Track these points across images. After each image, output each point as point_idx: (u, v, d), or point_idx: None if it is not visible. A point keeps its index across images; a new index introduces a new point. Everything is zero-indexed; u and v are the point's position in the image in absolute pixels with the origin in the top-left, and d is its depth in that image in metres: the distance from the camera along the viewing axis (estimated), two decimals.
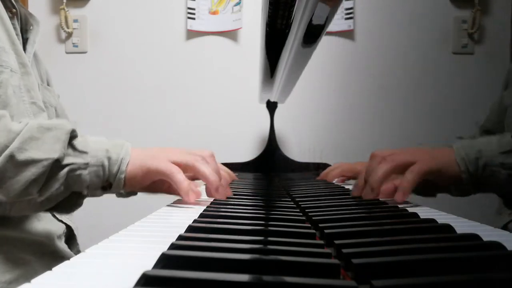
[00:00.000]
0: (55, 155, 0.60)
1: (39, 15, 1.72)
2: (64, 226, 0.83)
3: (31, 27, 0.85)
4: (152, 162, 0.67)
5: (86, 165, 0.63)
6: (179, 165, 0.69)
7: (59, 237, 0.81)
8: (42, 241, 0.74)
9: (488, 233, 0.45)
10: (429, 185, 0.72)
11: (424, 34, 1.73)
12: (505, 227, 0.94)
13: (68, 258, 0.83)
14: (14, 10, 0.80)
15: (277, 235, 0.42)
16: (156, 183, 0.70)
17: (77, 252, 0.86)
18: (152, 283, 0.28)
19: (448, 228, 0.46)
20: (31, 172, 0.60)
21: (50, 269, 0.29)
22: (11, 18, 0.78)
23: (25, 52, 0.80)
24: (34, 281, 0.29)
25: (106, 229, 0.61)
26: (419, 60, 1.74)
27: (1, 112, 0.63)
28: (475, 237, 0.40)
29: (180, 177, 0.67)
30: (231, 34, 1.72)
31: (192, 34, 1.72)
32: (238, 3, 1.69)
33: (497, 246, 0.36)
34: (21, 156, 0.59)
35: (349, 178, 1.17)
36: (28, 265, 0.68)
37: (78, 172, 0.62)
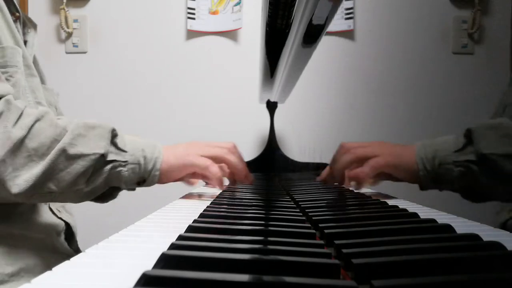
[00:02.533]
0: (101, 150, 0.67)
1: (39, 15, 1.73)
2: (63, 223, 0.84)
3: (29, 30, 0.86)
4: (186, 158, 0.75)
5: (125, 163, 0.70)
6: (209, 158, 0.77)
7: (58, 233, 0.82)
8: (42, 238, 0.76)
9: (488, 233, 0.45)
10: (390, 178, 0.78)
11: (424, 34, 1.73)
12: (504, 225, 0.94)
13: (66, 255, 0.84)
14: (17, 14, 0.81)
15: (277, 235, 0.42)
16: (188, 175, 0.78)
17: (76, 249, 0.86)
18: (152, 283, 0.28)
19: (448, 228, 0.46)
20: (80, 165, 0.66)
21: (49, 264, 0.29)
22: (14, 22, 0.79)
23: None
24: (34, 281, 0.29)
25: (106, 229, 0.61)
26: (419, 60, 1.74)
27: (45, 108, 0.69)
28: (475, 237, 0.40)
29: (214, 169, 0.76)
30: (231, 34, 1.72)
31: (192, 34, 1.72)
32: (238, 3, 1.69)
33: (497, 246, 0.36)
34: (72, 151, 0.66)
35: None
36: (28, 259, 0.70)
37: (119, 169, 0.69)
